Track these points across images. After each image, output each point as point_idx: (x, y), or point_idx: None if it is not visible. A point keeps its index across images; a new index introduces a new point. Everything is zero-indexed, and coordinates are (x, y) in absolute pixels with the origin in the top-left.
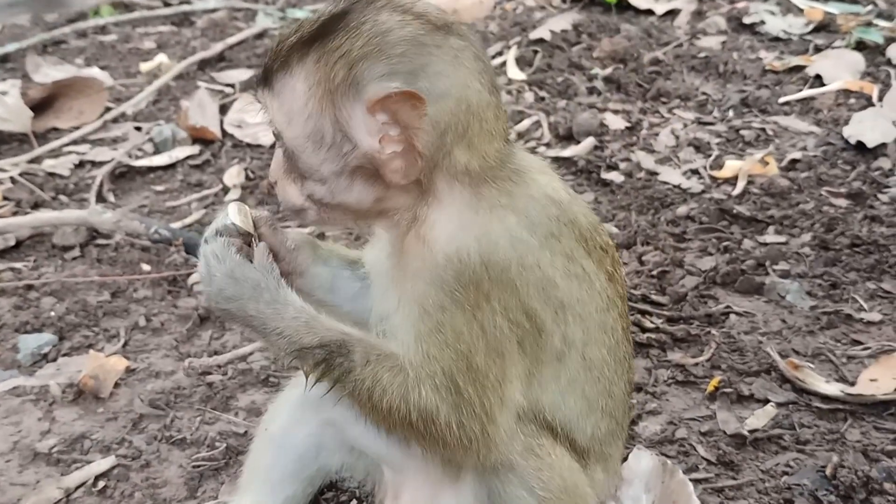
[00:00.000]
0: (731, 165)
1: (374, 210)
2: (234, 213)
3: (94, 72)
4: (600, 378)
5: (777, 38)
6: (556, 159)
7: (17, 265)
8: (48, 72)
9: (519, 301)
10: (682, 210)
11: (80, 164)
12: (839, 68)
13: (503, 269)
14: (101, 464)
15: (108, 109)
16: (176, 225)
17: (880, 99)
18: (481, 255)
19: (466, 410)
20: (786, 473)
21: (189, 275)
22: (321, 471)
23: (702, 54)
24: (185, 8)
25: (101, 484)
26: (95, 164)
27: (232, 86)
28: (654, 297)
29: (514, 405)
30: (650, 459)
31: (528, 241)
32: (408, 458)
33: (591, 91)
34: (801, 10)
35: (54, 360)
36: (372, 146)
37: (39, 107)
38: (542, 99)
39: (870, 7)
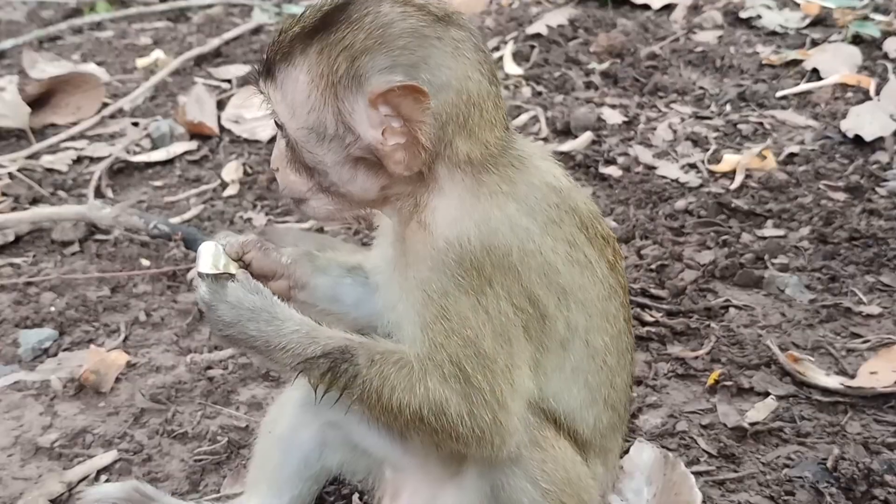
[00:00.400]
0: (729, 159)
1: (376, 199)
2: (204, 264)
3: (91, 68)
4: (603, 367)
5: (774, 33)
6: (553, 154)
7: (17, 260)
8: (45, 68)
9: (521, 286)
10: (680, 204)
11: (78, 160)
12: (836, 62)
13: (504, 254)
14: (103, 458)
15: (105, 105)
16: (175, 220)
17: (877, 93)
18: (481, 241)
19: (476, 399)
20: (787, 466)
21: (188, 270)
22: (325, 469)
23: (698, 49)
24: (181, 3)
25: (103, 478)
26: (93, 160)
27: (229, 81)
28: (653, 291)
29: (525, 392)
30: (652, 452)
31: (529, 227)
32: (408, 456)
33: (589, 86)
34: (798, 5)
35: (55, 354)
36: (374, 138)
37: (37, 103)
38: (540, 94)
39: (866, 1)
